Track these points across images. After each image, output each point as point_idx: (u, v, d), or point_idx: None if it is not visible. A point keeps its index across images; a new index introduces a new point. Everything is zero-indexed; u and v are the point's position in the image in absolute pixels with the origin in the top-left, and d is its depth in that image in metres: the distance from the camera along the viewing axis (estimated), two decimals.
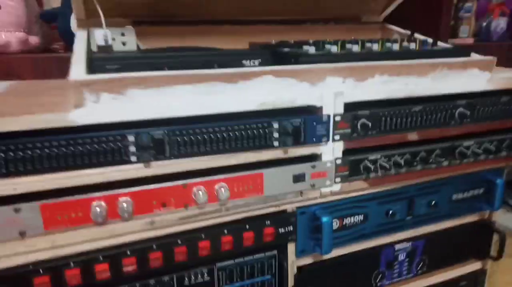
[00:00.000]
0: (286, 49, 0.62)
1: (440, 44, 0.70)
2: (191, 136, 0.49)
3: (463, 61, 0.62)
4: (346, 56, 0.58)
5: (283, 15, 0.77)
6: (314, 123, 0.54)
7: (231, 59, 0.59)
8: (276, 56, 0.61)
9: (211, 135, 0.49)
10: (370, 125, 0.57)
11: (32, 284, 0.45)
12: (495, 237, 0.77)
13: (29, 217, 0.44)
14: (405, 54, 0.61)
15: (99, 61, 0.52)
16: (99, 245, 0.48)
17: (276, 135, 0.53)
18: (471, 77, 0.63)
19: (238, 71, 0.50)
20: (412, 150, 0.62)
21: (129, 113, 0.45)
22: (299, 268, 0.62)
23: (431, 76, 0.60)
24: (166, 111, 0.47)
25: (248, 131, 0.51)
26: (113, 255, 0.49)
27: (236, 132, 0.51)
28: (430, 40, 0.71)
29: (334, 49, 0.58)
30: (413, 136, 0.62)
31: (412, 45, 0.64)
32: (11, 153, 0.42)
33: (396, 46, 0.62)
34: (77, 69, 0.45)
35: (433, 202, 0.69)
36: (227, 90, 0.49)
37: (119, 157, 0.46)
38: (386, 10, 0.83)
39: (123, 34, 0.65)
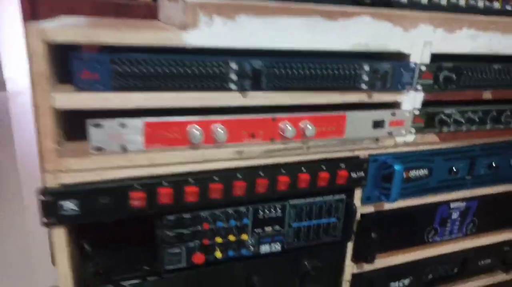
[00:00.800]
0: None
1: None
2: (287, 70, 0.49)
3: None
4: (435, 6, 0.58)
5: None
6: (402, 69, 0.55)
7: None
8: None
9: (305, 70, 0.50)
10: (451, 78, 0.58)
11: (128, 197, 0.47)
12: None
13: (133, 133, 0.46)
14: (489, 10, 0.61)
15: None
16: (191, 169, 0.50)
17: (365, 77, 0.53)
18: None
19: (341, 8, 0.50)
20: (485, 108, 0.63)
21: (237, 40, 0.46)
22: (362, 215, 0.64)
23: None
24: (270, 42, 0.47)
25: (340, 71, 0.52)
26: (202, 179, 0.50)
27: (329, 71, 0.51)
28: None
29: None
30: (487, 95, 0.63)
31: (496, 4, 0.63)
32: (124, 68, 0.43)
33: (480, 3, 0.62)
34: None
35: (494, 164, 0.70)
36: (327, 27, 0.50)
37: (220, 84, 0.47)
38: None
39: None
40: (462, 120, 0.61)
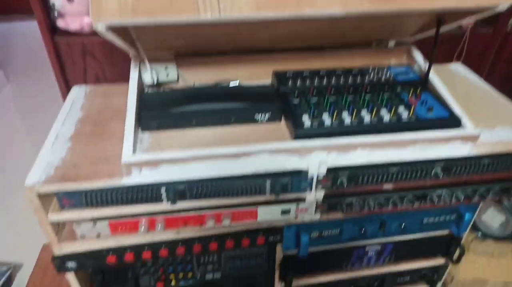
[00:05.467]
0: (294, 104, 0.74)
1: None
2: (204, 189, 0.69)
3: (445, 137, 0.70)
4: (337, 129, 0.70)
5: (307, 43, 0.84)
6: (300, 181, 0.71)
7: (245, 113, 0.74)
8: (285, 110, 0.74)
9: (219, 188, 0.69)
10: (348, 181, 0.72)
11: (105, 259, 0.75)
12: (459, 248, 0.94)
13: (102, 227, 0.71)
14: (393, 125, 0.71)
15: (145, 119, 0.71)
16: (145, 241, 0.75)
17: (268, 188, 0.71)
18: (453, 148, 0.71)
19: (242, 151, 0.66)
20: (386, 196, 0.77)
21: (161, 178, 0.66)
22: (285, 256, 0.87)
23: (410, 148, 0.70)
24: (188, 176, 0.66)
25: (247, 186, 0.70)
26: (154, 246, 0.76)
27: (238, 187, 0.69)
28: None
29: (327, 121, 0.70)
30: (388, 186, 0.76)
31: (405, 114, 0.72)
32: (92, 198, 0.66)
33: (387, 117, 0.71)
34: (127, 147, 0.65)
35: (404, 224, 0.85)
36: (231, 164, 0.67)
37: (155, 199, 0.69)
38: (417, 36, 0.85)
39: (166, 68, 0.81)
40: (364, 205, 0.77)
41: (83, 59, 1.09)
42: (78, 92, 0.89)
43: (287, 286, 0.90)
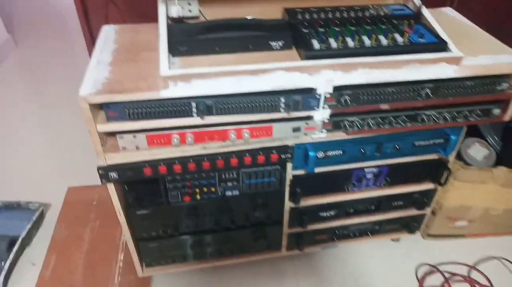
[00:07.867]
0: (304, 32, 0.86)
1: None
2: (228, 105, 0.81)
3: (433, 58, 0.82)
4: (342, 51, 0.81)
5: None
6: (309, 99, 0.83)
7: (261, 41, 0.86)
8: (296, 38, 0.86)
9: (240, 104, 0.81)
10: (350, 100, 0.84)
11: (142, 170, 0.87)
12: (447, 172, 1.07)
13: (140, 140, 0.83)
14: (390, 48, 0.82)
15: (175, 45, 0.83)
16: (176, 155, 0.87)
17: (282, 105, 0.82)
18: (440, 68, 0.83)
19: (260, 67, 0.78)
20: (382, 115, 0.89)
21: (192, 92, 0.77)
22: (294, 176, 0.99)
23: (404, 69, 0.82)
24: (215, 91, 0.78)
25: (264, 103, 0.81)
26: (183, 161, 0.88)
27: (257, 103, 0.81)
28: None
29: (334, 44, 0.81)
30: (384, 106, 0.88)
31: (400, 39, 0.83)
32: (133, 109, 0.78)
33: (385, 42, 0.83)
34: (163, 63, 0.76)
35: (398, 146, 0.98)
36: (253, 79, 0.78)
37: (187, 114, 0.81)
38: None
39: (189, 4, 0.92)
40: (362, 124, 0.89)
41: (106, 7, 1.19)
42: (108, 30, 1.00)
43: (296, 204, 1.03)
